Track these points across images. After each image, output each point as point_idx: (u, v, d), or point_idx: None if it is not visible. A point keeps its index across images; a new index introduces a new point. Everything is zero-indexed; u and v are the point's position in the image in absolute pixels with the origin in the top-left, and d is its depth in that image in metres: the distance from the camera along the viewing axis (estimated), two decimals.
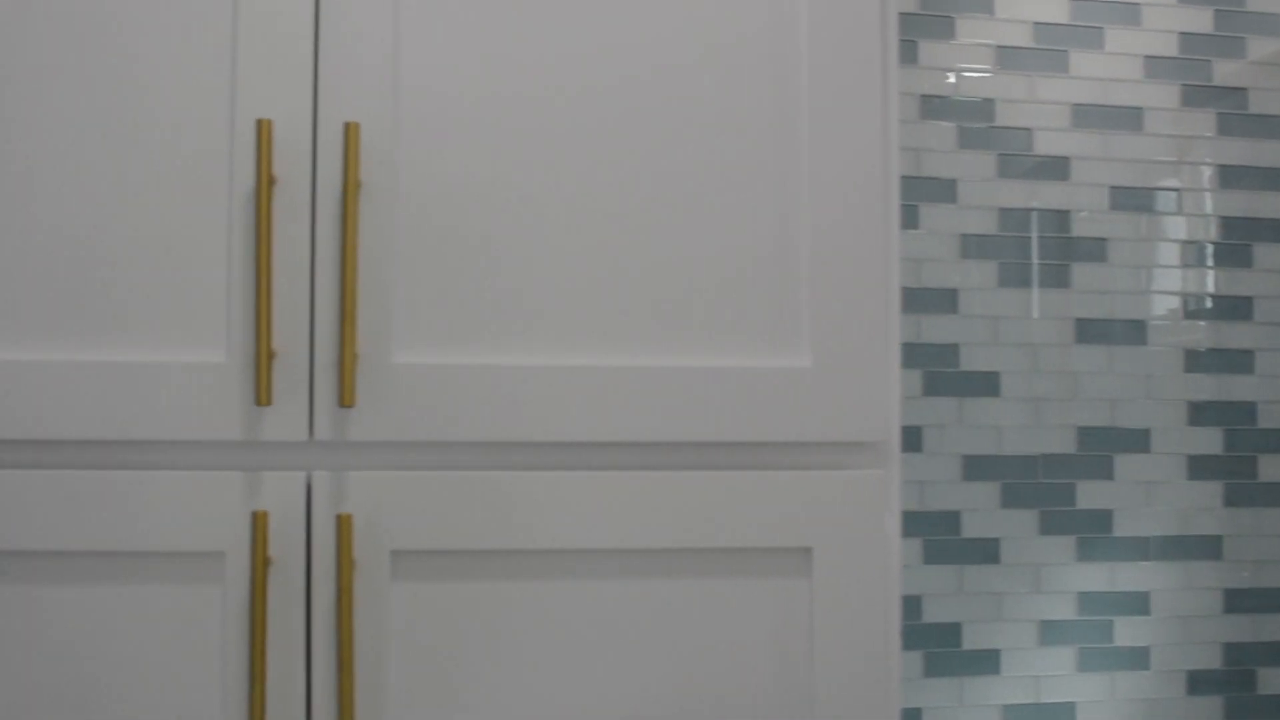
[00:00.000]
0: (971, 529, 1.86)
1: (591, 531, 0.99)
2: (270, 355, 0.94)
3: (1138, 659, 1.90)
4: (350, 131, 0.95)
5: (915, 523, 1.83)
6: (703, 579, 1.01)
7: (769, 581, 1.01)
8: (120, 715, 0.96)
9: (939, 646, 1.84)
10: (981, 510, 1.86)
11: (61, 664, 0.95)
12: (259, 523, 0.93)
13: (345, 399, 0.94)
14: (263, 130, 0.94)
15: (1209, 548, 1.92)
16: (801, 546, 1.01)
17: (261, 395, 0.93)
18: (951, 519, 1.85)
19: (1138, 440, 1.90)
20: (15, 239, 0.95)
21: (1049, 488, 1.88)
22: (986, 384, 1.86)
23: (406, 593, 0.98)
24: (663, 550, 1.00)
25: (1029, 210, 1.90)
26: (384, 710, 0.97)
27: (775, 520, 1.00)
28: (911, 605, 1.85)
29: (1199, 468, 1.92)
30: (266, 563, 0.94)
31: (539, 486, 0.99)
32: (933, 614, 1.84)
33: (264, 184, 0.94)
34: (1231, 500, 1.93)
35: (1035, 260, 1.90)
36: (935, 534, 1.84)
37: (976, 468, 1.85)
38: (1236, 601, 1.93)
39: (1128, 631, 1.90)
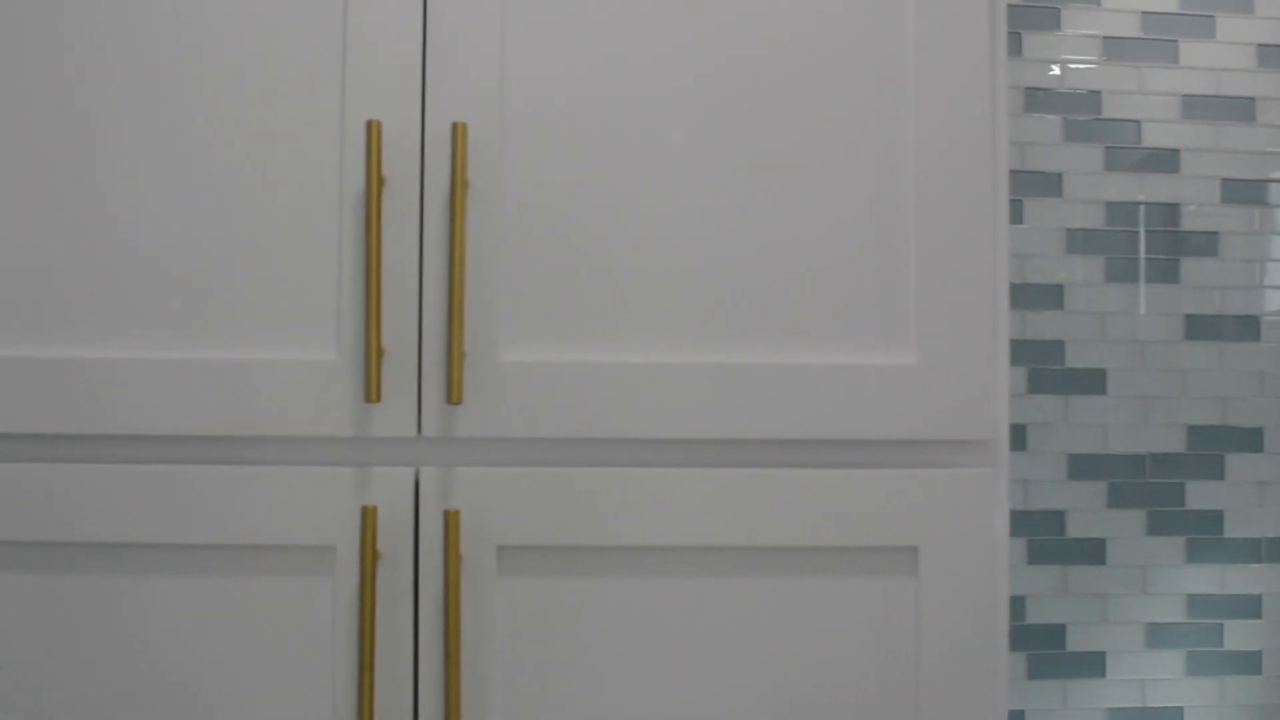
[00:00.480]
0: (1077, 529, 1.83)
1: (696, 529, 0.99)
2: (380, 353, 0.95)
3: (1248, 663, 1.85)
4: (458, 132, 0.96)
5: (1019, 522, 1.81)
6: (807, 577, 1.01)
7: (874, 580, 1.01)
8: (234, 704, 0.98)
9: (1043, 648, 1.82)
10: (1087, 510, 1.82)
11: (176, 654, 0.98)
12: (368, 517, 0.95)
13: (453, 396, 0.95)
14: (372, 131, 0.96)
15: None
16: (907, 545, 1.00)
17: (371, 392, 0.95)
18: (1056, 519, 1.82)
19: (1250, 439, 1.85)
20: (132, 239, 0.98)
21: (1157, 487, 1.84)
22: (1093, 381, 1.83)
23: (511, 587, 0.99)
24: (767, 548, 1.00)
25: (1137, 204, 1.86)
26: (489, 702, 0.98)
27: (881, 519, 1.00)
28: (1015, 606, 1.82)
29: None
30: (376, 557, 0.95)
31: (643, 483, 0.99)
32: (1037, 615, 1.82)
33: (374, 184, 0.95)
34: None
35: (1143, 255, 1.86)
36: (1040, 534, 1.81)
37: (1082, 467, 1.82)
38: None
39: (1238, 635, 1.85)
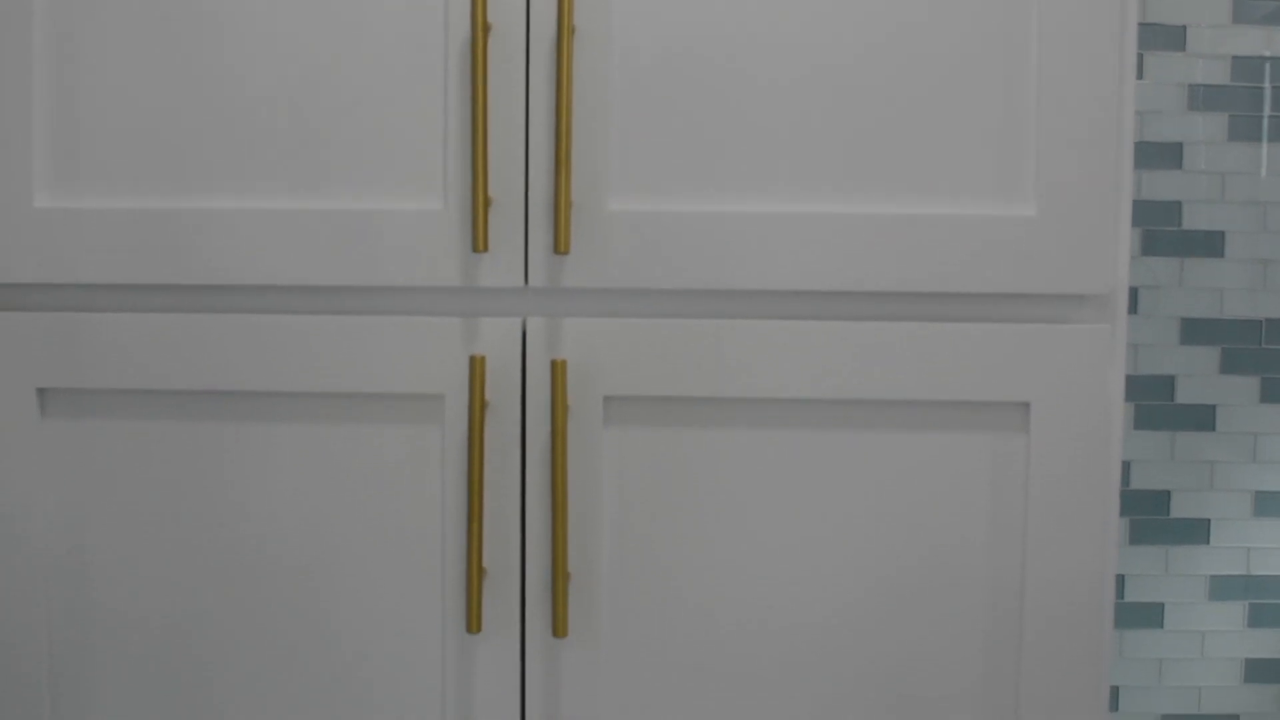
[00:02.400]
0: (1187, 395, 1.79)
1: (803, 381, 0.98)
2: (487, 203, 0.95)
3: None
4: None
5: (1128, 387, 1.77)
6: (917, 432, 1.00)
7: (986, 437, 1.00)
8: (342, 550, 1.01)
9: (1146, 514, 1.80)
10: (1198, 375, 1.78)
11: (287, 501, 1.00)
12: (476, 367, 0.96)
13: (560, 246, 0.94)
14: None
15: None
16: (1020, 401, 0.98)
17: (478, 242, 0.95)
18: (1166, 384, 1.78)
19: None
20: (239, 91, 0.98)
21: (1272, 354, 1.79)
22: (1210, 244, 1.77)
23: (617, 438, 1.00)
24: (875, 402, 0.99)
25: (1264, 59, 1.77)
26: (596, 551, 1.00)
27: (994, 374, 0.98)
28: (1120, 471, 1.80)
29: None
30: (484, 406, 0.96)
31: (751, 335, 0.98)
32: (1141, 480, 1.79)
33: (479, 32, 0.94)
34: None
35: (1268, 113, 1.78)
36: (1148, 399, 1.78)
37: (1195, 331, 1.77)
38: None
39: None
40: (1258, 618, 1.82)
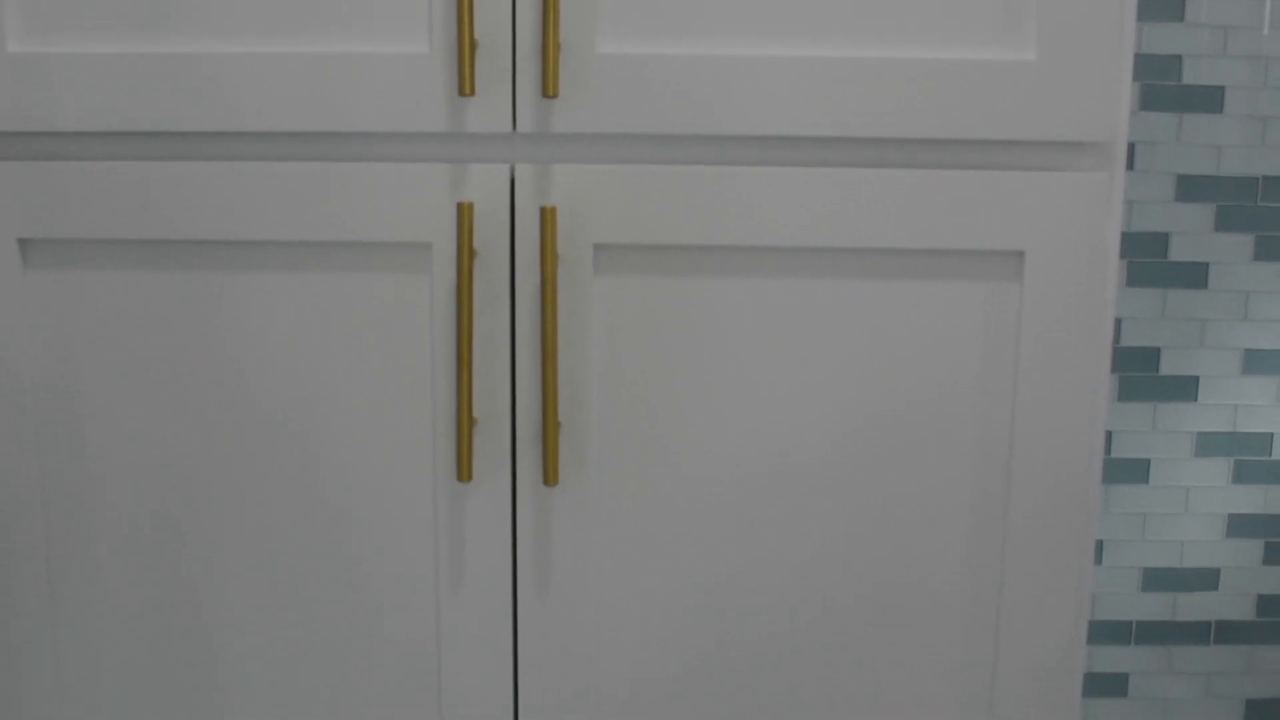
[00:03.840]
0: (1180, 252, 1.78)
1: (796, 229, 0.97)
2: (473, 45, 0.92)
3: None
4: None
5: (1121, 243, 1.76)
6: (911, 281, 0.99)
7: (978, 286, 0.99)
8: (332, 398, 1.00)
9: (1136, 371, 1.80)
10: (1192, 233, 1.77)
11: (277, 349, 1.00)
12: (464, 214, 0.94)
13: (548, 89, 0.92)
14: None
15: None
16: (1014, 250, 0.97)
17: (465, 85, 0.92)
18: (1160, 241, 1.77)
19: None
20: None
21: (1268, 212, 1.78)
22: (1209, 99, 1.74)
23: (608, 286, 0.99)
24: (869, 250, 0.98)
25: None
26: (587, 399, 0.99)
27: (990, 222, 0.97)
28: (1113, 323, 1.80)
29: None
30: (472, 254, 0.95)
31: (744, 182, 0.97)
32: (1132, 337, 1.79)
33: None
34: None
35: None
36: (1141, 256, 1.77)
37: (1191, 188, 1.76)
38: None
39: None
40: (1242, 474, 1.84)
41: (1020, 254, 0.98)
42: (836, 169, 0.96)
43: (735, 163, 0.98)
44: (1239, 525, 1.85)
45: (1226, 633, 1.89)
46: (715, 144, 0.98)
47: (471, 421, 0.96)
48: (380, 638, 1.04)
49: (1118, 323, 1.79)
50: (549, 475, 0.96)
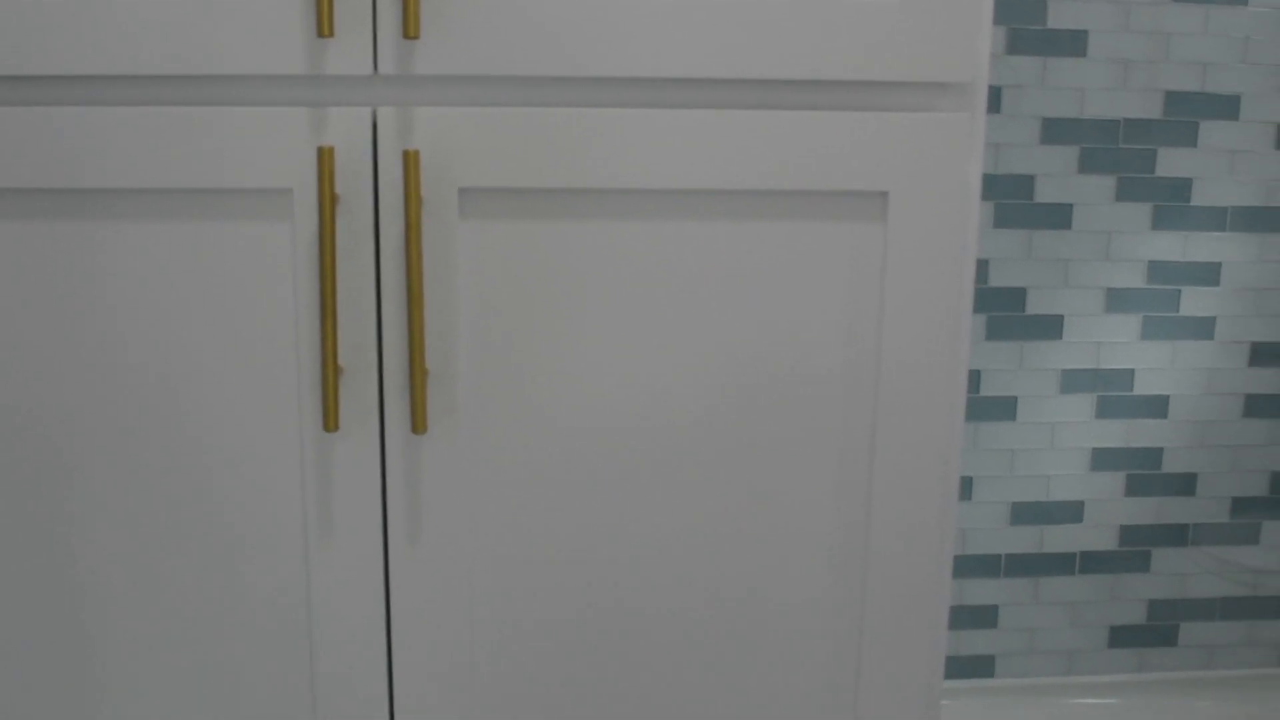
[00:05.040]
0: (1045, 193, 1.82)
1: (664, 171, 0.97)
2: None
3: (1202, 329, 1.89)
4: None
5: (988, 186, 1.79)
6: (777, 222, 0.99)
7: (844, 226, 1.00)
8: (196, 348, 0.98)
9: (1003, 310, 1.84)
10: (1057, 175, 1.81)
11: (140, 300, 0.97)
12: (325, 158, 0.92)
13: (410, 30, 0.90)
14: None
15: None
16: (878, 191, 0.98)
17: (323, 26, 0.90)
18: (1026, 183, 1.80)
19: (1227, 107, 1.82)
20: None
21: (1129, 153, 1.82)
22: (1073, 43, 1.78)
23: (475, 231, 0.97)
24: (735, 192, 0.98)
25: None
26: (455, 345, 0.98)
27: (853, 163, 0.98)
28: (979, 268, 1.83)
29: None
30: (334, 199, 0.93)
31: (612, 124, 0.96)
32: (999, 278, 1.83)
33: None
34: None
35: None
36: (1008, 198, 1.81)
37: (1055, 130, 1.79)
38: None
39: (1195, 301, 1.88)
40: (1105, 409, 1.90)
41: (884, 194, 0.99)
42: (703, 110, 0.96)
43: (602, 104, 0.97)
44: (1102, 459, 1.91)
45: (1091, 563, 1.95)
46: (581, 85, 0.97)
47: (337, 370, 0.94)
48: (250, 590, 1.02)
49: (986, 263, 1.82)
50: (417, 423, 0.95)
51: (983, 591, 1.93)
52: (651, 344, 1.00)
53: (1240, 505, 1.97)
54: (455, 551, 1.02)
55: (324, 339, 0.94)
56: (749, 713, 1.08)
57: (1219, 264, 1.87)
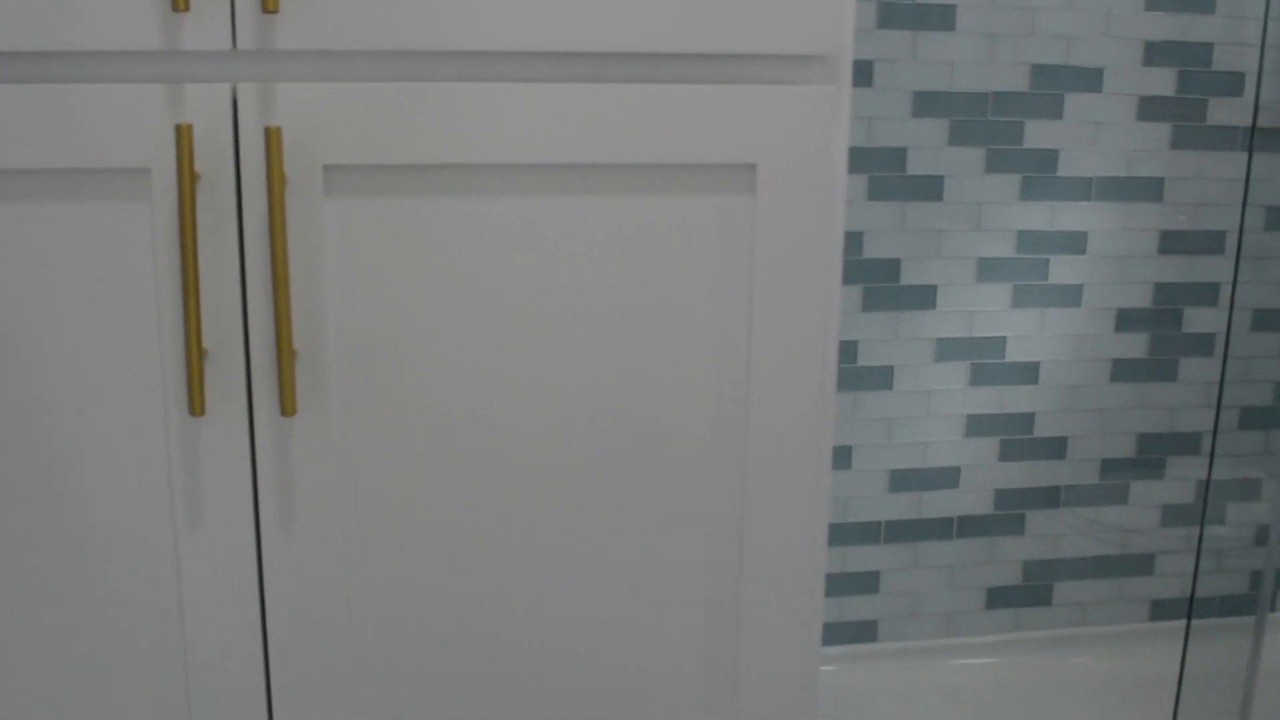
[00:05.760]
0: (917, 166, 1.85)
1: (532, 146, 0.96)
2: None
3: (1070, 296, 1.94)
4: None
5: (861, 158, 1.82)
6: (646, 196, 0.99)
7: (713, 199, 1.00)
8: (60, 331, 0.95)
9: (878, 281, 1.87)
10: (928, 147, 1.84)
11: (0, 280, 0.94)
12: (183, 136, 0.89)
13: (269, 4, 0.88)
14: None
15: (1151, 190, 1.93)
16: (746, 163, 0.99)
17: (179, 0, 0.87)
18: (898, 155, 1.83)
19: (1090, 79, 1.87)
20: None
21: (998, 126, 1.86)
22: (942, 17, 1.80)
23: (341, 209, 0.96)
24: (605, 166, 0.98)
25: None
26: (323, 325, 0.97)
27: (721, 135, 0.98)
28: (853, 241, 1.86)
29: (1149, 109, 1.90)
30: (194, 178, 0.90)
31: (479, 98, 0.95)
32: (874, 250, 1.86)
33: None
34: (1178, 143, 1.92)
35: None
36: (881, 170, 1.83)
37: (926, 104, 1.82)
38: (1171, 243, 1.96)
39: (1063, 270, 1.93)
40: (978, 376, 1.94)
41: (752, 167, 0.99)
42: (570, 84, 0.96)
43: (468, 79, 0.96)
44: (977, 425, 1.96)
45: (967, 527, 2.00)
46: (448, 60, 0.96)
47: (202, 353, 0.92)
48: (117, 585, 0.99)
49: (860, 235, 1.85)
50: (286, 406, 0.94)
51: (864, 558, 1.97)
52: (522, 317, 1.00)
53: (1109, 467, 2.03)
54: (331, 538, 1.00)
55: (187, 321, 0.92)
56: (630, 688, 1.09)
57: (1085, 233, 1.92)
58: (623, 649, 1.08)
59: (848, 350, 1.89)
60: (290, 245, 0.95)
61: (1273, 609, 2.16)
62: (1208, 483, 2.07)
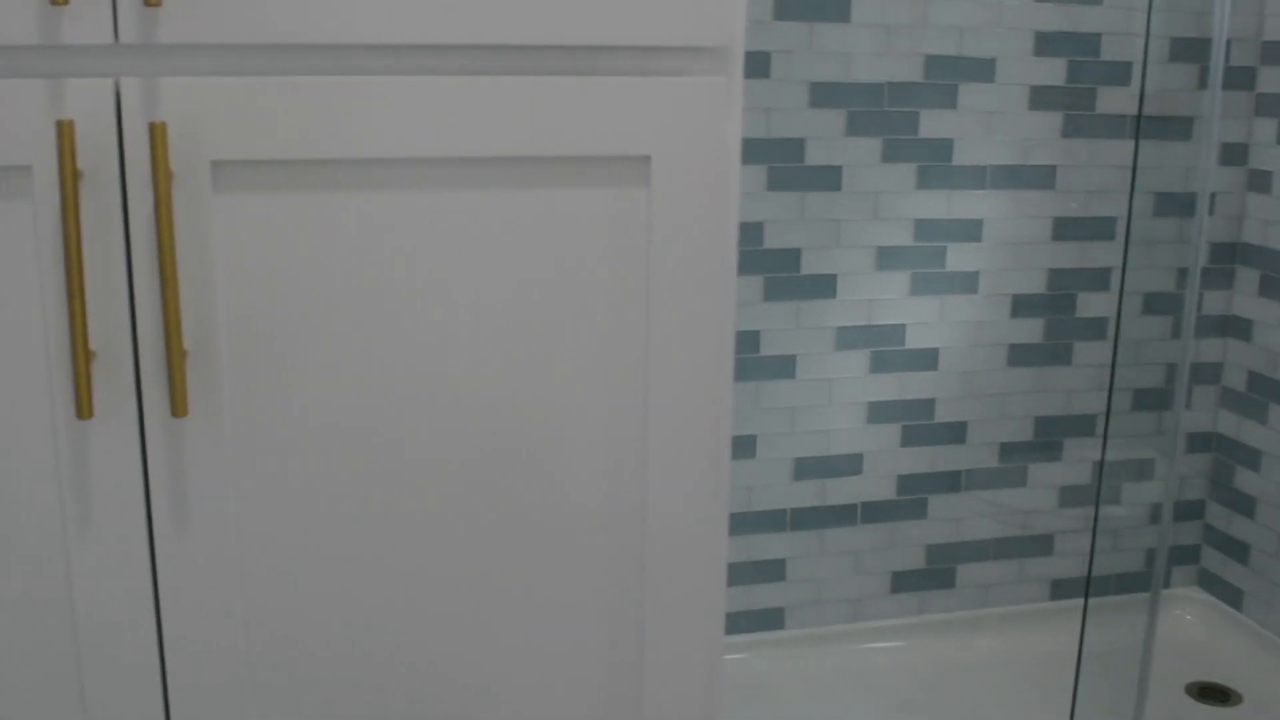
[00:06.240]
0: (816, 156, 1.86)
1: (425, 139, 0.95)
2: None
3: (967, 283, 1.98)
4: None
5: (760, 150, 1.83)
6: (541, 189, 0.99)
7: (609, 191, 1.00)
8: None
9: (779, 271, 1.88)
10: (826, 138, 1.86)
11: None
12: (65, 132, 0.87)
13: None
14: None
15: (1043, 177, 1.97)
16: (640, 155, 0.99)
17: None
18: (796, 146, 1.85)
19: (983, 70, 1.90)
20: None
21: (894, 116, 1.88)
22: (837, 9, 1.82)
23: (229, 205, 0.94)
24: (498, 159, 0.98)
25: None
26: (213, 324, 0.95)
27: (614, 128, 0.98)
28: (753, 231, 1.87)
29: (1040, 99, 1.94)
30: (76, 175, 0.88)
31: (369, 92, 0.94)
32: (774, 240, 1.87)
33: None
34: (1069, 131, 1.96)
35: None
36: (780, 161, 1.85)
37: (823, 95, 1.84)
38: (1064, 229, 2.00)
39: (960, 257, 1.96)
40: (879, 364, 1.97)
41: (647, 159, 0.99)
42: (463, 77, 0.95)
43: (359, 72, 0.95)
44: (878, 411, 1.98)
45: (871, 513, 2.03)
46: (337, 53, 0.95)
47: (89, 354, 0.90)
48: (5, 590, 0.97)
49: (761, 226, 1.87)
50: (177, 407, 0.92)
51: (770, 546, 1.99)
52: (413, 313, 0.99)
53: (1008, 450, 2.07)
54: (225, 539, 0.99)
55: (73, 322, 0.89)
56: (533, 685, 1.09)
57: (980, 220, 1.96)
58: (518, 659, 1.08)
59: (750, 340, 1.90)
60: (178, 243, 0.93)
61: (1167, 585, 2.22)
62: (1101, 463, 2.12)
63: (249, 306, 0.96)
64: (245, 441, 0.98)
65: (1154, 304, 2.08)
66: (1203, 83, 1.99)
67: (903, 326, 1.96)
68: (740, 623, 2.01)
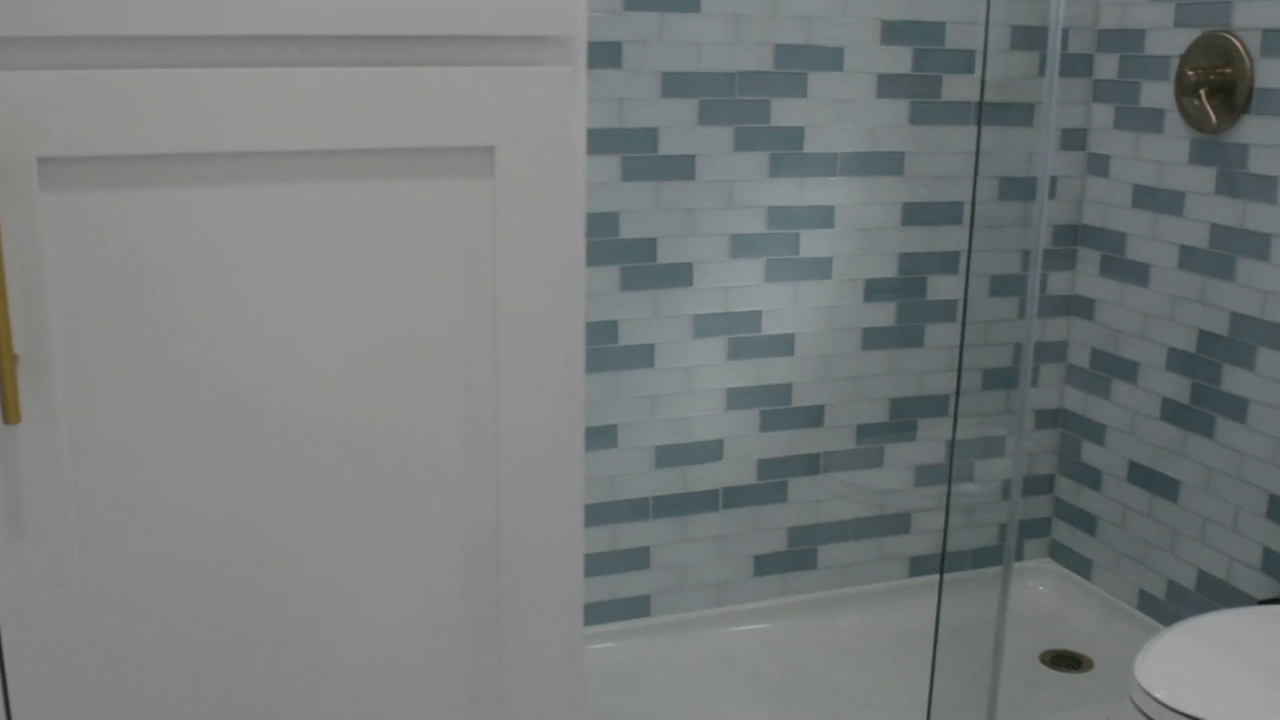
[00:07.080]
0: (669, 146, 1.87)
1: (264, 133, 0.93)
2: None
3: (820, 269, 2.01)
4: None
5: (614, 140, 1.83)
6: (385, 181, 0.97)
7: (452, 182, 0.99)
8: None
9: (635, 261, 1.89)
10: (679, 127, 1.87)
11: None
12: None
13: None
14: None
15: (893, 164, 2.01)
16: (484, 146, 0.98)
17: None
18: (649, 136, 1.85)
19: (832, 58, 1.93)
20: None
21: (745, 105, 1.90)
22: None
23: (60, 203, 0.91)
24: (339, 151, 0.96)
25: None
26: (45, 327, 0.92)
27: (457, 119, 0.97)
28: (609, 221, 1.87)
29: (888, 86, 1.97)
30: None
31: (204, 85, 0.91)
32: (630, 230, 1.88)
33: None
34: (916, 118, 2.00)
35: None
36: (633, 151, 1.85)
37: (675, 85, 1.85)
38: (914, 215, 2.04)
39: (813, 243, 1.99)
40: (736, 350, 1.99)
41: (491, 149, 0.99)
42: (303, 69, 0.93)
43: (197, 65, 0.93)
44: (737, 398, 2.01)
45: (733, 498, 2.05)
46: (173, 45, 0.92)
47: None
48: None
49: (616, 216, 1.87)
50: (9, 414, 0.89)
51: (634, 534, 1.99)
52: (258, 311, 0.97)
53: (864, 432, 2.11)
54: (65, 543, 0.96)
55: None
56: (397, 677, 1.07)
57: (833, 207, 1.99)
58: (381, 641, 1.06)
59: (608, 330, 1.91)
60: (4, 243, 0.90)
61: (1019, 558, 2.29)
62: (953, 442, 2.18)
63: (83, 307, 0.93)
64: (82, 442, 0.95)
65: (1000, 286, 2.14)
66: (1042, 70, 2.05)
67: (759, 313, 1.99)
68: (606, 611, 2.02)
